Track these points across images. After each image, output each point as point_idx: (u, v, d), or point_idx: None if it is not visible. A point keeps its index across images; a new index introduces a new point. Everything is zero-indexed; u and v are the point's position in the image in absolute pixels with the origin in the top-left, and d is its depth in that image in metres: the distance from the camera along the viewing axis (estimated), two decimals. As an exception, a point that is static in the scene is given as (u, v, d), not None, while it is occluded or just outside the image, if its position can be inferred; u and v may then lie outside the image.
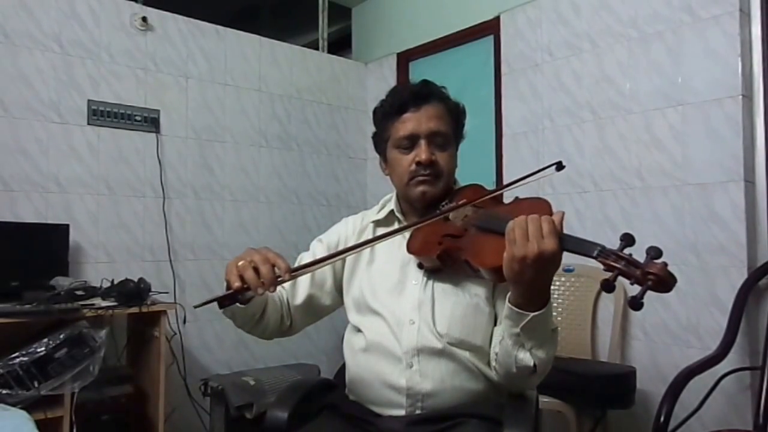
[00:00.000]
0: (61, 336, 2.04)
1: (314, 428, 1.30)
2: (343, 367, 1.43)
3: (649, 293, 0.94)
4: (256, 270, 1.07)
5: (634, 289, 0.96)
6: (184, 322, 2.74)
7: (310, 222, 3.42)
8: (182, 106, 2.97)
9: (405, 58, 3.54)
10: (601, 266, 0.98)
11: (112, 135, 2.74)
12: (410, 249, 1.31)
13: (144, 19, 2.83)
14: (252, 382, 2.57)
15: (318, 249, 1.45)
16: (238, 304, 1.21)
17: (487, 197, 1.29)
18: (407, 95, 1.35)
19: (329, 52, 3.72)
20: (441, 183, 1.34)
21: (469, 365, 1.25)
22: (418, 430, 1.22)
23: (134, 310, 2.24)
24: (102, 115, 2.71)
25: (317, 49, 3.68)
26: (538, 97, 2.78)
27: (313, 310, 1.44)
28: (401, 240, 1.35)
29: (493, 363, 1.25)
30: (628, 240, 0.98)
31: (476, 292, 1.28)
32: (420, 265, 1.32)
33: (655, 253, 0.95)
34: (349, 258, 1.42)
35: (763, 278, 2.08)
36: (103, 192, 2.71)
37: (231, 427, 2.51)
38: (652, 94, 2.37)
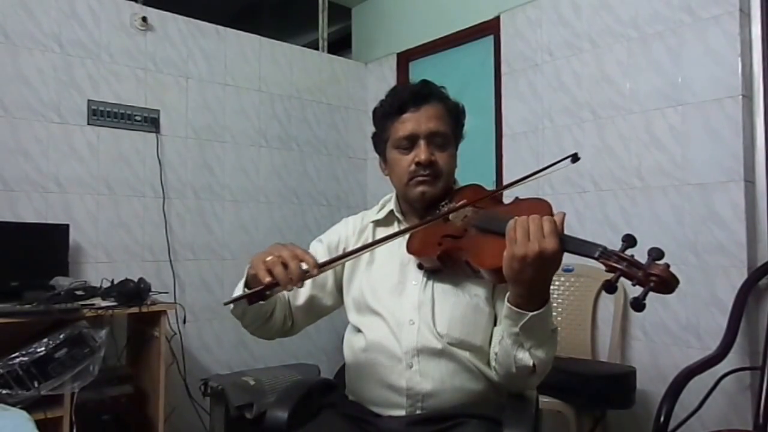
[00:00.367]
0: (61, 336, 2.04)
1: (314, 428, 1.29)
2: (343, 367, 1.43)
3: (650, 294, 0.94)
4: (284, 266, 1.06)
5: (635, 290, 0.96)
6: (184, 322, 2.74)
7: (310, 222, 3.42)
8: (182, 106, 2.97)
9: (405, 58, 3.54)
10: (603, 267, 0.98)
11: (112, 135, 2.74)
12: (410, 249, 1.31)
13: (144, 19, 2.83)
14: (252, 382, 2.57)
15: (318, 249, 1.45)
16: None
17: (487, 196, 1.29)
18: (407, 95, 1.35)
19: (329, 52, 3.72)
20: (440, 183, 1.34)
21: (469, 365, 1.25)
22: (418, 430, 1.22)
23: (134, 310, 2.25)
24: (102, 115, 2.71)
25: (317, 49, 3.68)
26: (538, 97, 2.78)
27: (314, 310, 1.44)
28: (401, 240, 1.35)
29: (493, 363, 1.25)
30: (629, 241, 0.98)
31: (476, 293, 1.28)
32: (420, 266, 1.32)
33: (656, 254, 0.95)
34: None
35: (763, 278, 2.08)
36: (103, 192, 2.71)
37: (231, 427, 2.51)
38: (652, 94, 2.37)
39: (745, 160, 2.13)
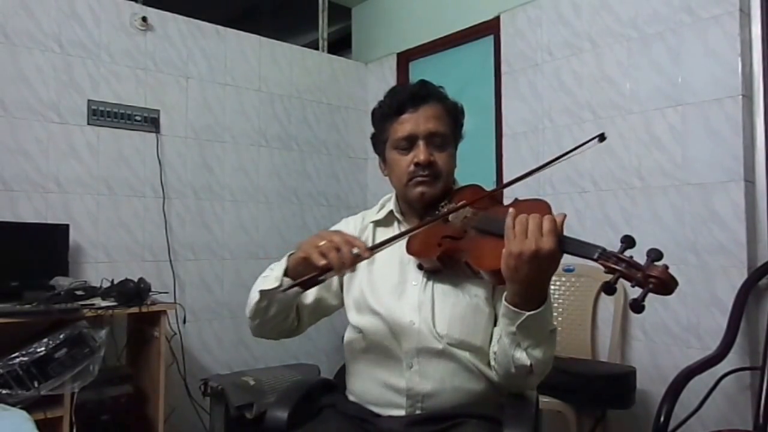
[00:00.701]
0: (61, 336, 2.04)
1: (314, 428, 1.29)
2: (343, 367, 1.43)
3: (649, 295, 0.94)
4: (337, 250, 1.09)
5: (635, 290, 0.96)
6: (184, 322, 2.74)
7: (309, 222, 3.42)
8: (182, 106, 2.97)
9: (405, 58, 3.54)
10: (602, 269, 0.98)
11: (112, 135, 2.74)
12: (410, 250, 1.31)
13: (144, 19, 2.83)
14: (252, 382, 2.57)
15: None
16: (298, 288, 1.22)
17: (486, 196, 1.29)
18: (405, 96, 1.35)
19: (329, 52, 3.72)
20: (440, 183, 1.33)
21: (469, 366, 1.25)
22: (418, 430, 1.22)
23: (134, 310, 2.25)
24: (102, 115, 2.71)
25: (317, 49, 3.68)
26: (538, 97, 2.78)
27: (320, 310, 1.44)
28: (401, 241, 1.34)
29: (492, 362, 1.25)
30: (628, 242, 0.98)
31: (476, 293, 1.28)
32: (420, 266, 1.32)
33: (655, 255, 0.95)
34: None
35: (763, 278, 2.08)
36: (103, 192, 2.71)
37: (231, 427, 2.51)
38: (652, 94, 2.37)
39: (745, 160, 2.13)
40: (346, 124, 3.65)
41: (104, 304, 2.22)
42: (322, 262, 1.09)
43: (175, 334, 2.67)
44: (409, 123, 1.32)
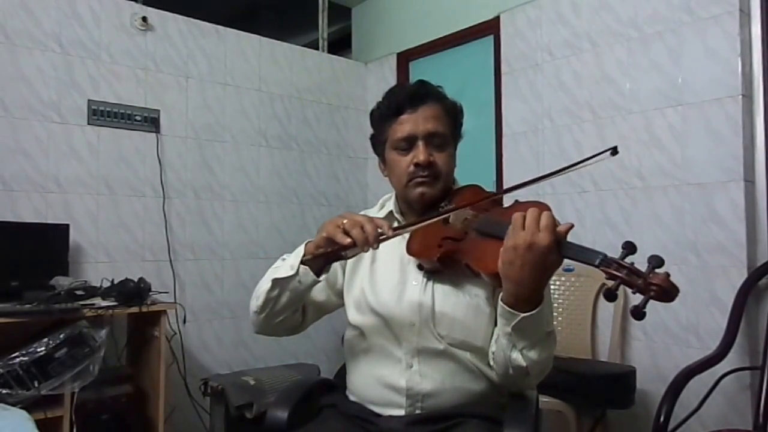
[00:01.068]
0: (61, 336, 2.04)
1: (314, 428, 1.29)
2: (343, 367, 1.43)
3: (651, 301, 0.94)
4: (361, 228, 1.11)
5: (636, 294, 0.96)
6: (184, 321, 2.74)
7: (310, 222, 3.42)
8: (182, 105, 2.97)
9: (405, 58, 3.54)
10: (604, 275, 0.98)
11: (112, 135, 2.74)
12: (410, 251, 1.31)
13: (144, 19, 2.83)
14: (252, 382, 2.57)
15: None
16: (314, 275, 1.24)
17: (488, 198, 1.29)
18: (404, 96, 1.34)
19: (329, 52, 3.72)
20: (439, 184, 1.33)
21: (470, 366, 1.25)
22: (418, 430, 1.22)
23: (134, 309, 2.25)
24: (102, 114, 2.71)
25: (317, 49, 3.68)
26: (538, 97, 2.78)
27: (324, 306, 1.44)
28: (401, 241, 1.34)
29: (491, 362, 1.25)
30: (629, 248, 0.98)
31: (476, 293, 1.27)
32: (420, 266, 1.32)
33: (657, 262, 0.94)
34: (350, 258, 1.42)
35: (763, 278, 2.08)
36: (103, 192, 2.71)
37: (231, 426, 2.51)
38: (652, 93, 2.37)
39: (745, 160, 2.13)
40: (346, 124, 3.65)
41: (104, 303, 2.22)
42: (347, 240, 1.11)
43: (175, 333, 2.67)
44: (408, 123, 1.32)
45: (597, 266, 0.98)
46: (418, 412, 1.24)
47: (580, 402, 2.14)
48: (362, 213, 1.51)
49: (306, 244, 1.25)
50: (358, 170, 3.70)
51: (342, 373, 1.46)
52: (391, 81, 3.53)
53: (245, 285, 3.08)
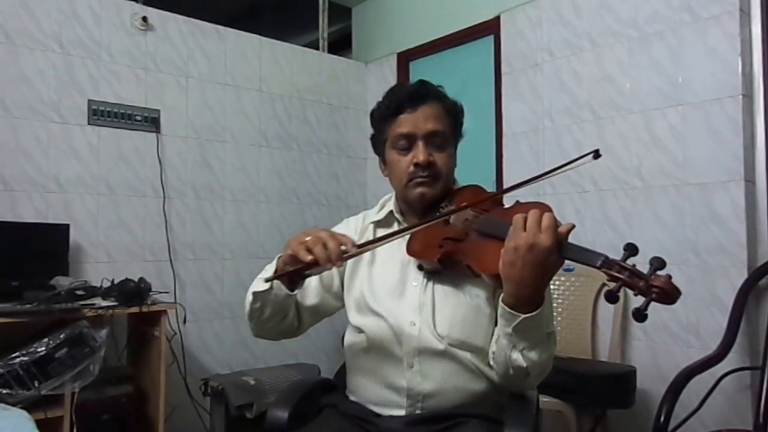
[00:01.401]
0: (62, 336, 2.04)
1: (314, 428, 1.29)
2: (343, 367, 1.43)
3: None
4: (324, 246, 1.09)
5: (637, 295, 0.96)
6: (185, 321, 2.74)
7: (310, 222, 3.42)
8: (182, 105, 2.97)
9: (405, 58, 3.54)
10: (605, 277, 0.98)
11: (113, 135, 2.74)
12: (410, 251, 1.31)
13: (144, 18, 2.83)
14: (252, 382, 2.57)
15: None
16: (288, 290, 1.23)
17: (488, 199, 1.29)
18: (404, 96, 1.34)
19: (329, 51, 3.72)
20: (439, 184, 1.33)
21: (470, 366, 1.25)
22: (418, 430, 1.22)
23: (134, 309, 2.25)
24: (102, 114, 2.71)
25: (317, 48, 3.68)
26: (538, 97, 2.78)
27: (321, 310, 1.44)
28: (401, 241, 1.34)
29: (491, 362, 1.25)
30: (631, 250, 0.97)
31: (477, 293, 1.27)
32: (420, 267, 1.32)
33: (658, 264, 0.94)
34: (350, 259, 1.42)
35: (763, 278, 2.08)
36: (104, 192, 2.71)
37: (231, 426, 2.51)
38: (652, 93, 2.37)
39: (746, 160, 2.13)
40: (346, 124, 3.65)
41: (104, 303, 2.22)
42: (309, 257, 1.09)
43: (176, 333, 2.67)
44: (408, 123, 1.32)
45: (598, 268, 0.98)
46: (418, 412, 1.24)
47: (580, 402, 2.14)
48: (362, 213, 1.52)
49: (278, 258, 1.23)
50: (358, 170, 3.70)
51: (342, 373, 1.46)
52: (392, 81, 3.53)
53: (245, 285, 3.02)
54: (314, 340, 3.33)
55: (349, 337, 1.40)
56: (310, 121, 3.48)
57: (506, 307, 1.10)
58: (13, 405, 1.60)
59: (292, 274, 1.15)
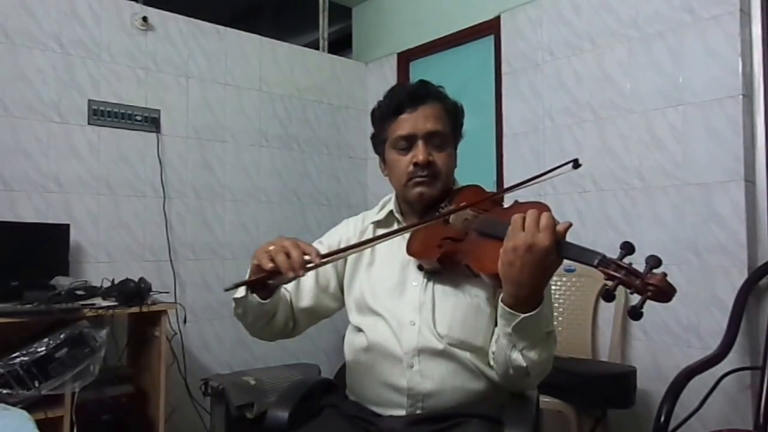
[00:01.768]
0: (62, 336, 2.04)
1: (314, 428, 1.30)
2: (344, 367, 1.43)
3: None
4: (287, 255, 1.07)
5: (636, 293, 0.96)
6: (185, 321, 2.74)
7: (310, 222, 3.42)
8: (183, 105, 2.97)
9: (405, 58, 3.54)
10: (602, 275, 0.98)
11: (113, 135, 2.74)
12: (410, 251, 1.31)
13: (144, 18, 2.83)
14: (252, 382, 2.57)
15: (319, 251, 1.44)
16: (259, 299, 1.21)
17: (488, 199, 1.29)
18: (404, 96, 1.34)
19: (330, 51, 3.72)
20: (439, 184, 1.33)
21: (470, 366, 1.25)
22: (419, 430, 1.22)
23: (135, 309, 2.25)
24: (102, 114, 2.71)
25: (318, 48, 3.68)
26: (538, 97, 2.78)
27: (317, 312, 1.44)
28: (401, 241, 1.34)
29: (491, 362, 1.25)
30: (627, 249, 0.98)
31: (476, 293, 1.27)
32: (420, 267, 1.32)
33: (654, 262, 0.94)
34: (350, 259, 1.42)
35: (763, 278, 2.08)
36: (104, 192, 2.71)
37: (231, 426, 2.51)
38: (652, 93, 2.37)
39: (746, 160, 2.13)
40: (347, 124, 3.65)
41: (105, 303, 2.22)
42: (269, 265, 1.08)
43: (176, 333, 2.67)
44: (408, 123, 1.32)
45: (595, 266, 0.99)
46: (418, 412, 1.24)
47: (580, 402, 2.14)
48: (362, 214, 1.52)
49: (251, 262, 1.21)
50: (359, 170, 3.70)
51: (342, 373, 1.46)
52: (392, 81, 3.53)
53: (246, 285, 3.08)
54: (315, 340, 3.33)
55: (350, 337, 1.40)
56: (310, 121, 3.48)
57: (506, 307, 1.10)
58: (14, 405, 1.60)
59: (254, 283, 1.13)
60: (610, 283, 0.97)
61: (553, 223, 1.03)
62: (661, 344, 2.31)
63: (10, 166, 2.48)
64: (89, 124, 2.68)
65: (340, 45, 3.93)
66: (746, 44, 2.16)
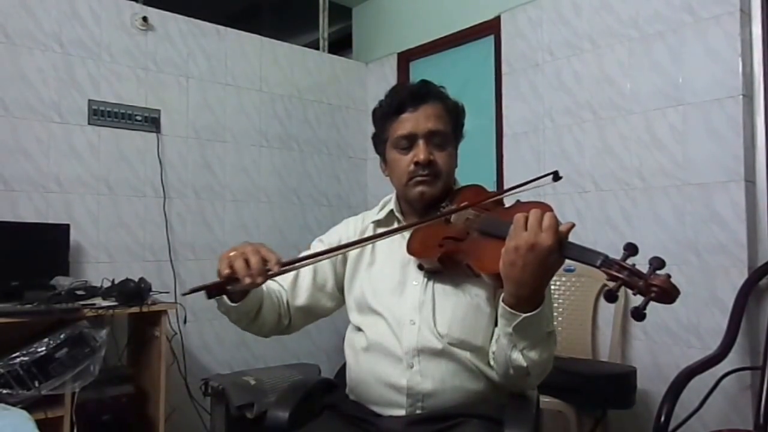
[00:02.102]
0: (62, 336, 2.04)
1: (315, 428, 1.30)
2: (344, 367, 1.43)
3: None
4: (246, 261, 1.07)
5: (637, 294, 0.96)
6: (185, 321, 2.74)
7: (310, 222, 3.42)
8: (183, 105, 2.97)
9: (405, 58, 3.54)
10: (605, 276, 0.98)
11: (113, 135, 2.74)
12: (410, 250, 1.31)
13: (144, 18, 2.83)
14: (253, 382, 2.57)
15: (319, 248, 1.45)
16: (228, 300, 1.20)
17: (489, 199, 1.29)
18: (405, 95, 1.35)
19: (330, 51, 3.72)
20: (440, 183, 1.33)
21: (470, 365, 1.25)
22: (419, 430, 1.22)
23: (135, 309, 2.25)
24: (102, 114, 2.71)
25: (318, 48, 3.68)
26: (538, 97, 2.78)
27: (313, 310, 1.45)
28: (401, 240, 1.35)
29: (492, 362, 1.25)
30: (631, 250, 0.98)
31: (477, 293, 1.27)
32: (420, 266, 1.32)
33: (658, 263, 0.94)
34: (351, 259, 1.42)
35: (763, 278, 2.08)
36: (104, 192, 2.71)
37: (232, 426, 2.51)
38: (652, 94, 2.37)
39: (746, 160, 2.13)
40: (347, 124, 3.65)
41: (105, 303, 2.22)
42: (226, 271, 1.08)
43: (176, 333, 2.67)
44: (409, 122, 1.32)
45: (598, 267, 0.99)
46: (418, 412, 1.24)
47: (580, 402, 2.14)
48: (362, 214, 1.52)
49: None
50: (359, 170, 3.70)
51: (342, 373, 1.46)
52: (392, 81, 3.53)
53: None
54: (315, 340, 3.33)
55: (350, 336, 1.40)
56: (310, 121, 3.48)
57: (506, 307, 1.10)
58: (14, 405, 1.60)
59: (212, 288, 1.12)
60: (612, 283, 0.97)
61: (556, 223, 1.04)
62: (661, 344, 2.31)
63: (10, 166, 2.48)
64: (89, 124, 2.68)
65: (340, 45, 3.94)
66: (746, 44, 2.16)
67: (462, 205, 1.27)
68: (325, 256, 1.22)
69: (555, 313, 1.96)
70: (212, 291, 1.13)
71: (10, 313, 2.01)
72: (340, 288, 1.45)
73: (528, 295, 1.07)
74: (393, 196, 1.46)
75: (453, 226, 1.28)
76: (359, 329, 1.36)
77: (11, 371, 1.95)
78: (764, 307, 2.12)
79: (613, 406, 2.19)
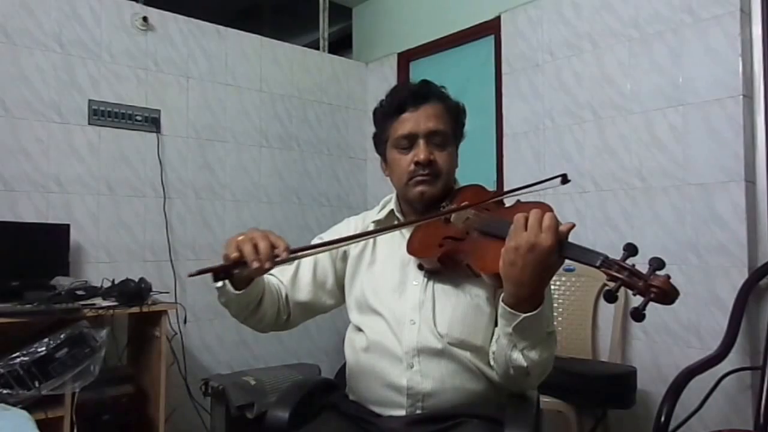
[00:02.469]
0: (62, 336, 2.04)
1: (315, 428, 1.30)
2: (344, 367, 1.43)
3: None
4: (255, 246, 1.06)
5: (637, 295, 0.96)
6: (185, 321, 2.74)
7: (311, 222, 3.42)
8: (183, 106, 2.97)
9: (405, 58, 3.54)
10: (605, 276, 0.98)
11: (113, 135, 2.74)
12: (410, 250, 1.31)
13: (145, 18, 2.83)
14: (253, 382, 2.57)
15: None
16: (233, 289, 1.19)
17: (490, 199, 1.29)
18: (406, 95, 1.35)
19: (330, 52, 3.72)
20: (440, 183, 1.33)
21: (470, 365, 1.25)
22: (419, 430, 1.22)
23: (135, 309, 2.25)
24: (103, 114, 2.71)
25: (318, 48, 3.68)
26: (538, 97, 2.78)
27: (313, 307, 1.44)
28: (401, 240, 1.35)
29: (492, 362, 1.25)
30: (630, 250, 0.98)
31: (477, 293, 1.27)
32: (420, 266, 1.32)
33: (657, 264, 0.94)
34: (351, 259, 1.42)
35: (763, 278, 2.08)
36: (104, 192, 2.71)
37: (232, 426, 2.52)
38: (652, 94, 2.37)
39: (746, 160, 2.13)
40: (347, 124, 3.65)
41: (105, 303, 2.22)
42: (234, 254, 1.07)
43: (176, 333, 2.67)
44: (409, 122, 1.32)
45: (598, 267, 0.99)
46: (418, 412, 1.24)
47: (580, 402, 2.14)
48: (363, 213, 1.52)
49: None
50: (359, 170, 3.70)
51: (342, 373, 1.46)
52: (392, 81, 3.53)
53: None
54: (315, 340, 3.33)
55: (350, 336, 1.40)
56: (310, 121, 3.48)
57: (506, 307, 1.10)
58: (14, 405, 1.60)
59: (218, 270, 1.10)
60: (612, 284, 0.97)
61: (556, 223, 1.04)
62: (661, 344, 2.31)
63: (11, 166, 2.48)
64: (89, 124, 2.68)
65: (340, 45, 3.94)
66: (746, 44, 2.16)
67: (462, 204, 1.27)
68: (333, 245, 1.21)
69: (555, 313, 1.96)
70: (219, 273, 1.12)
71: (10, 313, 2.01)
72: (339, 286, 1.45)
73: (528, 295, 1.07)
74: (393, 196, 1.46)
75: (453, 225, 1.28)
76: (359, 329, 1.36)
77: (11, 371, 1.95)
78: (764, 307, 2.12)
79: (613, 406, 2.19)
